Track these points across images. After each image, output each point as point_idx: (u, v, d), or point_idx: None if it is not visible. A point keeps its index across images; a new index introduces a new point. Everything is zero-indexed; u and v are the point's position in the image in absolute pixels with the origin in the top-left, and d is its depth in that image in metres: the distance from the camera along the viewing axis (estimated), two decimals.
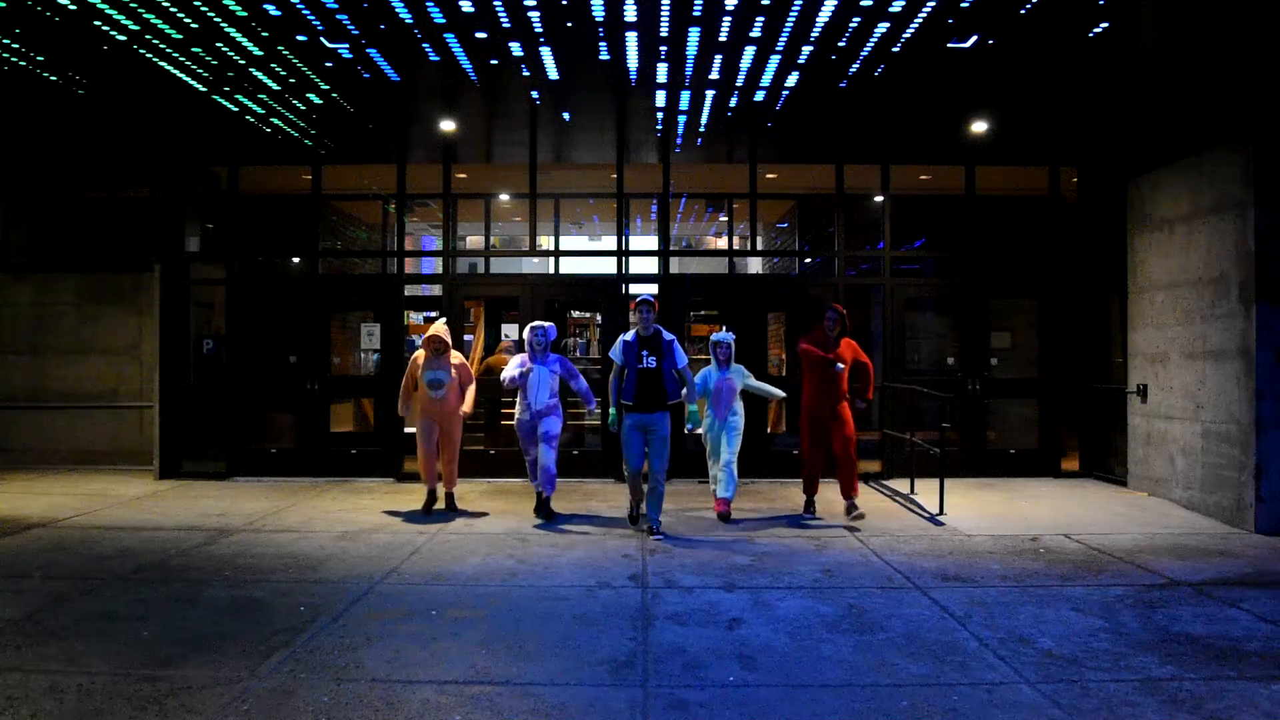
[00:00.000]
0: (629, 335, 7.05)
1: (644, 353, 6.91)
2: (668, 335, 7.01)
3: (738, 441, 7.70)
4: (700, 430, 7.83)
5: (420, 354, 7.79)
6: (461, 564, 6.03)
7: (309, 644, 4.42)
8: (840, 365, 7.42)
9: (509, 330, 12.35)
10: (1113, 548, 6.49)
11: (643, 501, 7.14)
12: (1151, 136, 8.49)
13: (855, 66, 6.80)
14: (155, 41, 6.28)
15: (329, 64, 6.80)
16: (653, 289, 10.08)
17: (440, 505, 7.88)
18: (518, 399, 7.63)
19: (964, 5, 5.68)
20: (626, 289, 9.96)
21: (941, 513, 7.64)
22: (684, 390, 7.11)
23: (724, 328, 9.46)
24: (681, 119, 8.32)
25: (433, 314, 16.25)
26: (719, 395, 7.64)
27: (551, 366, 7.57)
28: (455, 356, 7.83)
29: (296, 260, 10.94)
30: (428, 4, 5.69)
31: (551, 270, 10.40)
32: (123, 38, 6.20)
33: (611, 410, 7.13)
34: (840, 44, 6.36)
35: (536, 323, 7.66)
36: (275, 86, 7.32)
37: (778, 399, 8.22)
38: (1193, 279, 7.90)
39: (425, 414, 7.78)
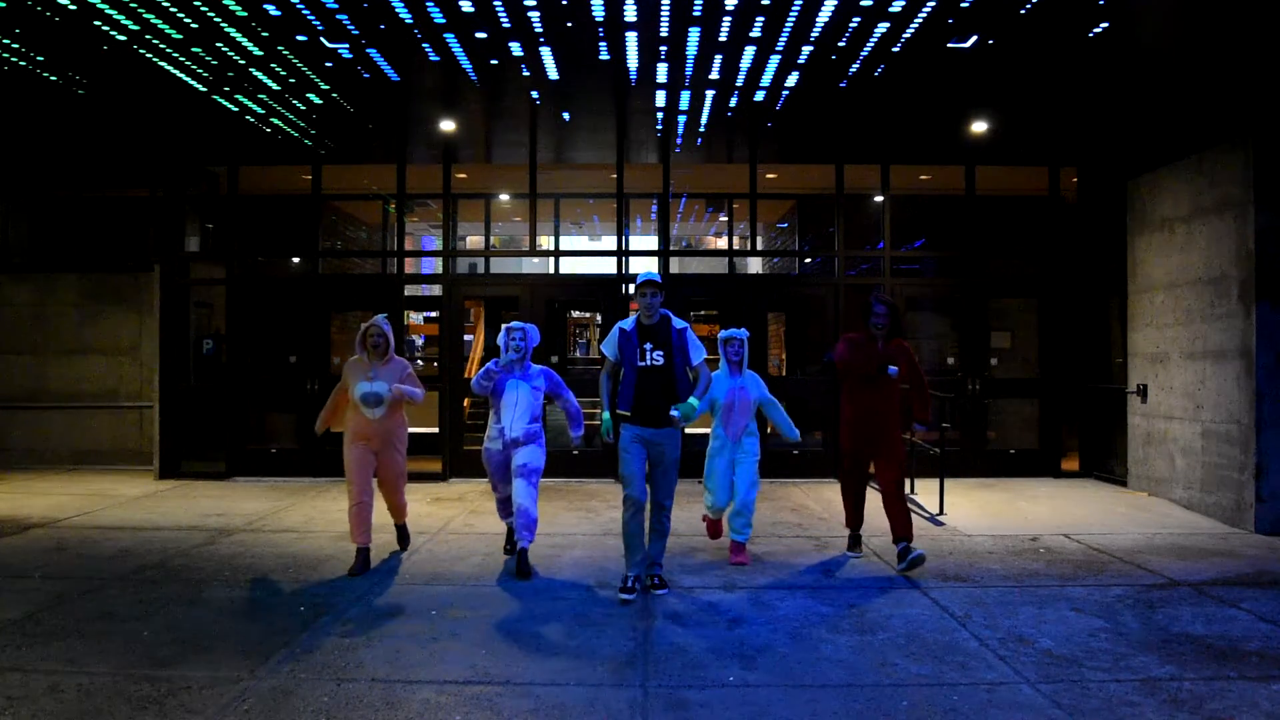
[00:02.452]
0: (627, 323, 5.34)
1: (646, 346, 5.23)
2: (678, 323, 5.33)
3: (755, 473, 6.12)
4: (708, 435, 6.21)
5: (356, 358, 5.91)
6: (461, 564, 6.03)
7: (309, 644, 4.42)
8: (893, 369, 5.88)
9: None
10: (1113, 548, 6.49)
11: (641, 563, 5.36)
12: (1151, 136, 8.49)
13: (855, 66, 6.80)
14: (155, 41, 6.28)
15: (329, 64, 6.80)
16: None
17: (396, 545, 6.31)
18: (489, 420, 5.96)
19: (964, 5, 5.68)
20: (626, 289, 9.95)
21: (942, 513, 7.64)
22: (697, 391, 5.28)
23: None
24: (681, 119, 8.31)
25: (433, 314, 16.27)
26: (730, 410, 6.02)
27: (534, 381, 5.86)
28: (401, 362, 5.96)
29: (296, 260, 10.95)
30: (428, 4, 5.69)
31: (551, 270, 10.40)
32: (123, 38, 6.19)
33: (605, 414, 5.41)
34: (840, 44, 6.36)
35: (514, 323, 5.92)
36: (275, 86, 7.32)
37: (792, 441, 6.59)
38: (1193, 279, 7.90)
39: (357, 439, 5.82)
